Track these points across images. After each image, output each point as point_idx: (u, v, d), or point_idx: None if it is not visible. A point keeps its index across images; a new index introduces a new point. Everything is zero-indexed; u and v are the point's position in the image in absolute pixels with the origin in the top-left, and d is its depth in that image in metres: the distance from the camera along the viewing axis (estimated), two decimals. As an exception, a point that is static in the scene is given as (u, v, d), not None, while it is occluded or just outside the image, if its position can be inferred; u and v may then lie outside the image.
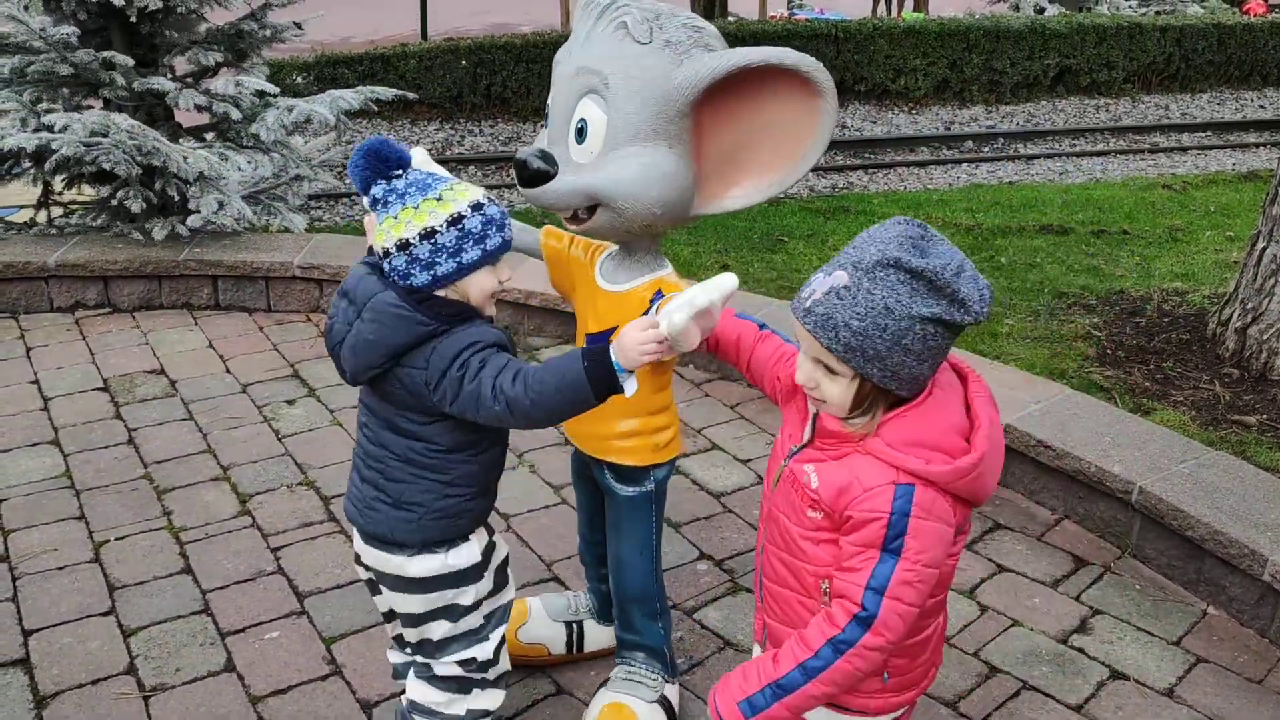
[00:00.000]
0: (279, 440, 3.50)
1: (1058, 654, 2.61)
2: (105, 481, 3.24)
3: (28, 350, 4.12)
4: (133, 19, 4.45)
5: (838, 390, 1.52)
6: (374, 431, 1.92)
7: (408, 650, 2.08)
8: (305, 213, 5.26)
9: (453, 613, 1.96)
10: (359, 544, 1.98)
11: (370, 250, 1.87)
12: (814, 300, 1.52)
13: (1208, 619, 2.76)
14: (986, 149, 9.58)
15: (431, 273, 1.78)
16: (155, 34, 4.73)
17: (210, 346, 4.19)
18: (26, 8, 4.28)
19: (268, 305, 4.52)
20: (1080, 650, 2.62)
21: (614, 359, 1.70)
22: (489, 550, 2.03)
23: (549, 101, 2.07)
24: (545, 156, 1.97)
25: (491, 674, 2.05)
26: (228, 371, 3.99)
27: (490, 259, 1.82)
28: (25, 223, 4.88)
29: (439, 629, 1.97)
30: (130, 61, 4.44)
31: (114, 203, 4.55)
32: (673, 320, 1.65)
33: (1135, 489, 2.94)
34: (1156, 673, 2.56)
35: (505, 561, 2.12)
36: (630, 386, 1.72)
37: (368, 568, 2.00)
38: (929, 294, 1.44)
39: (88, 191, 4.93)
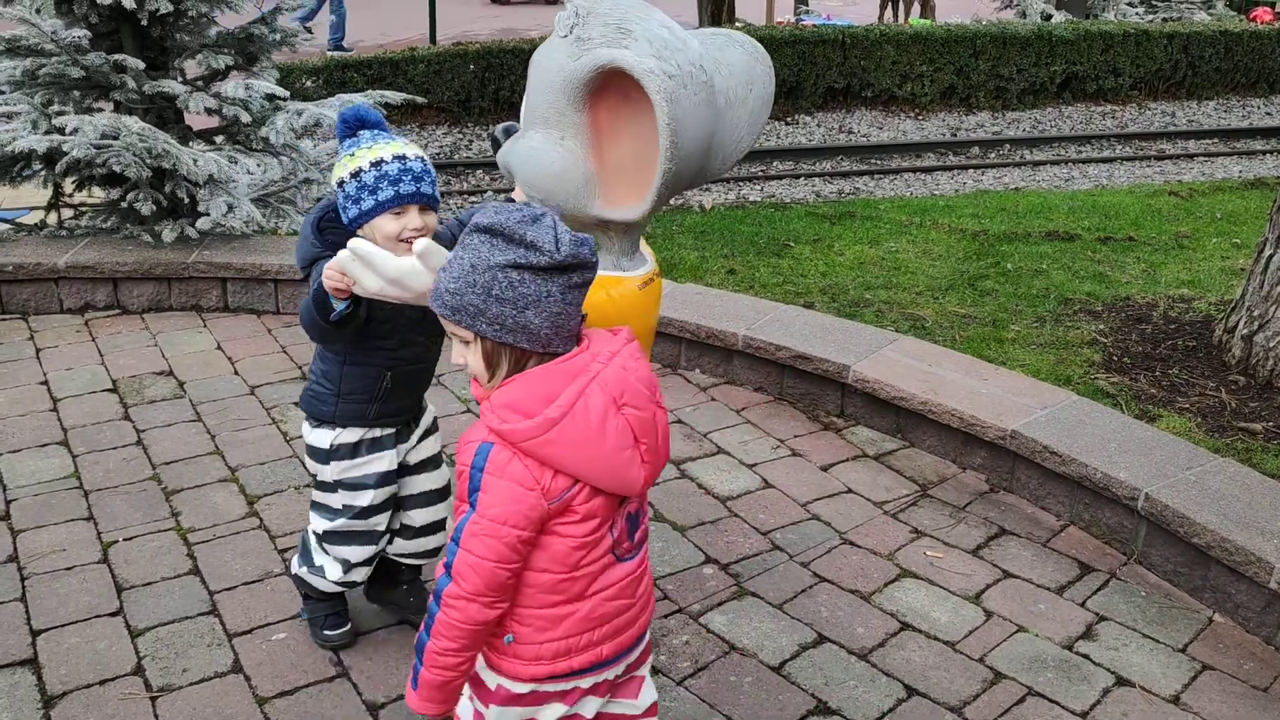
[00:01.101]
0: (287, 442, 3.52)
1: (1063, 660, 2.61)
2: (114, 482, 3.26)
3: (37, 351, 4.14)
4: (144, 22, 4.47)
5: (473, 357, 1.65)
6: None
7: None
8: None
9: (316, 480, 2.48)
10: None
11: None
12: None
13: (1214, 626, 2.76)
14: (992, 155, 9.58)
15: (352, 211, 2.14)
16: (166, 37, 4.75)
17: (219, 348, 4.21)
18: (38, 11, 4.30)
19: (276, 308, 4.53)
20: (1086, 656, 2.63)
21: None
22: (343, 451, 2.39)
23: None
24: (506, 130, 2.29)
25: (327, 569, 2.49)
26: (236, 373, 4.00)
27: (384, 207, 2.11)
28: (36, 224, 4.90)
29: (313, 491, 2.50)
30: (141, 64, 4.47)
31: (124, 205, 4.57)
32: (342, 257, 1.97)
33: (1141, 495, 2.94)
34: (1162, 680, 2.56)
35: (382, 506, 2.45)
36: (338, 307, 2.10)
37: None
38: (504, 244, 1.58)
39: (98, 194, 4.95)
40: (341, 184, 2.15)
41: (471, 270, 1.59)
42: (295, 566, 2.58)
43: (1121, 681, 2.55)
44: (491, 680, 1.76)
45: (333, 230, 2.21)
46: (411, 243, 2.03)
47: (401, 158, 2.12)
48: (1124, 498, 2.99)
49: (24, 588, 2.76)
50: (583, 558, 1.66)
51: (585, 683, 1.75)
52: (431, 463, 2.57)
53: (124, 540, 2.97)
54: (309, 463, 2.49)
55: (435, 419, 2.61)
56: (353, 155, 2.14)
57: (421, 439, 2.54)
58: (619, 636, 1.75)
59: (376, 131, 2.17)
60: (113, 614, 2.68)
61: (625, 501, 1.71)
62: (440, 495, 2.59)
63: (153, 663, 2.51)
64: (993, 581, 2.91)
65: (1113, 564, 3.00)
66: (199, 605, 2.72)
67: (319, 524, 2.49)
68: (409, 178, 2.11)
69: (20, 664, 2.50)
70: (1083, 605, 2.82)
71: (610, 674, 1.79)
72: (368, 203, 2.11)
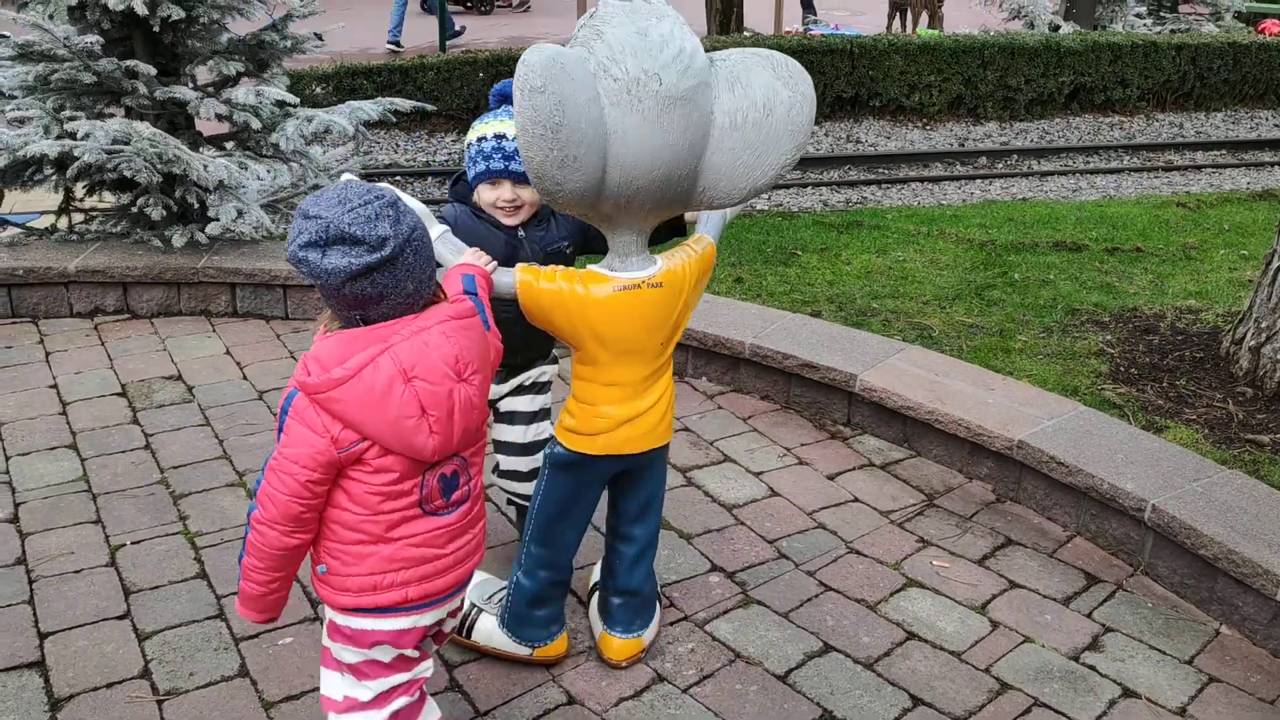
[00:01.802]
0: (294, 447, 3.52)
1: (1069, 671, 2.61)
2: (122, 486, 3.27)
3: (47, 355, 4.16)
4: (156, 28, 4.49)
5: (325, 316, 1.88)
6: None
7: None
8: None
9: None
10: None
11: None
12: None
13: (1220, 638, 2.75)
14: (1000, 165, 9.57)
15: (469, 174, 2.51)
16: (177, 43, 4.77)
17: (227, 353, 4.22)
18: (51, 17, 4.33)
19: (285, 313, 4.55)
20: (1092, 668, 2.62)
21: None
22: None
23: None
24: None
25: None
26: (244, 378, 4.02)
27: (479, 179, 2.48)
28: (46, 229, 4.92)
29: None
30: (152, 70, 4.49)
31: (134, 210, 4.59)
32: None
33: (1148, 506, 2.94)
34: (1169, 691, 2.55)
35: None
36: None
37: None
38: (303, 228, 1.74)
39: (108, 198, 4.97)
40: (467, 148, 2.49)
41: (289, 250, 1.77)
42: None
43: (1128, 693, 2.54)
44: (325, 612, 1.98)
45: (462, 186, 2.58)
46: (509, 211, 2.46)
47: (500, 136, 2.40)
48: (1131, 509, 2.98)
49: (32, 590, 2.78)
50: (381, 503, 1.85)
51: (403, 622, 1.93)
52: (514, 417, 2.72)
53: (132, 544, 2.99)
54: None
55: (541, 383, 2.73)
56: (474, 127, 2.47)
57: (515, 392, 2.68)
58: (426, 583, 1.93)
59: (507, 108, 2.41)
60: (120, 617, 2.69)
61: (439, 464, 1.87)
62: (510, 448, 2.75)
63: (160, 666, 2.52)
64: (999, 592, 2.91)
65: (1119, 575, 3.00)
66: (206, 609, 2.73)
67: None
68: (499, 155, 2.42)
69: (28, 666, 2.51)
70: (1089, 616, 2.82)
71: (426, 619, 1.96)
72: (470, 171, 2.49)
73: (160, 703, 2.41)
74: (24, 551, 2.94)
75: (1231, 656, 2.69)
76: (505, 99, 2.44)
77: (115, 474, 3.34)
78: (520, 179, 2.42)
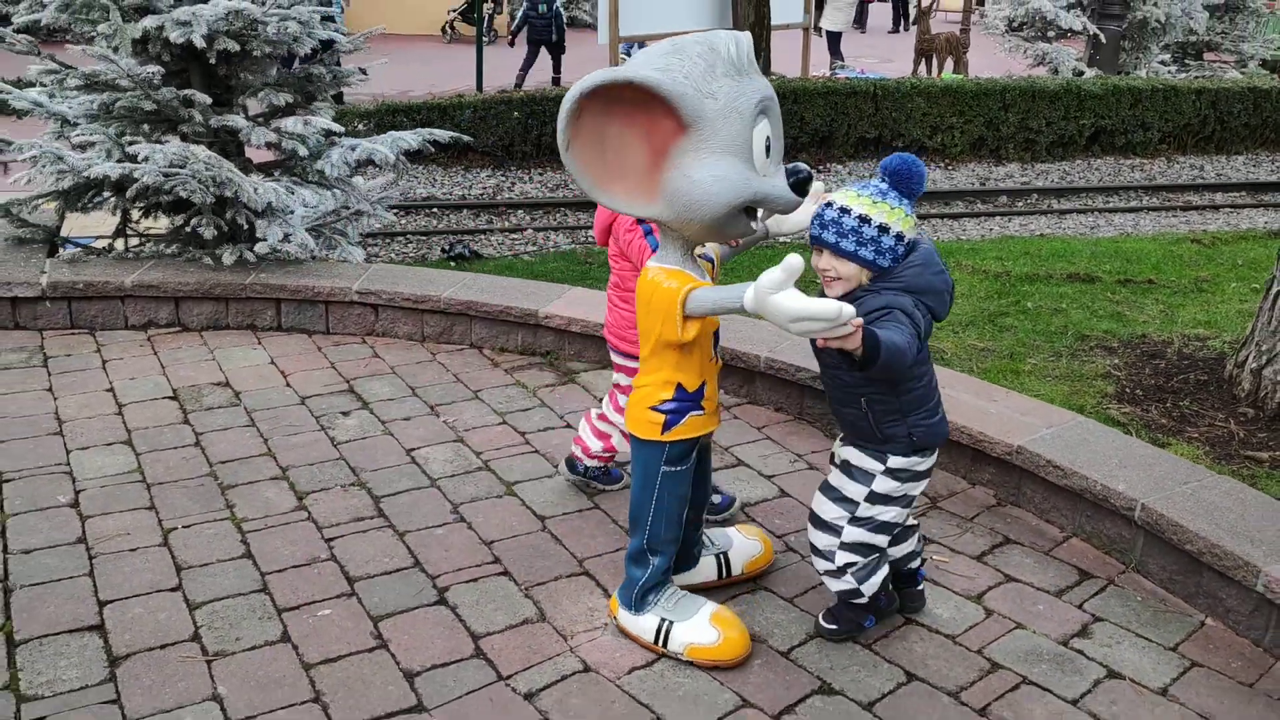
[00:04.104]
0: (334, 446, 3.75)
1: (1058, 654, 2.76)
2: (174, 477, 3.51)
3: (104, 362, 4.43)
4: (212, 60, 4.81)
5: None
6: None
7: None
8: (363, 247, 5.57)
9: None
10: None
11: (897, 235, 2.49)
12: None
13: (1205, 629, 2.90)
14: (1020, 204, 9.77)
15: None
16: (231, 76, 5.09)
17: (272, 363, 4.48)
18: (116, 49, 4.66)
19: (326, 328, 4.81)
20: (1080, 652, 2.77)
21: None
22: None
23: (770, 132, 2.41)
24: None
25: None
26: (288, 385, 4.26)
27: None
28: (104, 249, 5.22)
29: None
30: (208, 100, 4.80)
31: (188, 230, 4.88)
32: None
33: (1138, 506, 3.09)
34: (1152, 673, 2.70)
35: None
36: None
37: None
38: None
39: (163, 221, 5.27)
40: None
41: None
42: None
43: (1113, 674, 2.69)
44: None
45: None
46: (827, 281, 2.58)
47: (829, 205, 2.51)
48: (1122, 508, 3.14)
49: (92, 565, 3.00)
50: None
51: None
52: None
53: (183, 527, 3.21)
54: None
55: None
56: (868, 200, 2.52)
57: None
58: None
59: (876, 185, 2.52)
60: (172, 589, 2.91)
61: None
62: None
63: (209, 631, 2.73)
64: (995, 584, 3.07)
65: (1112, 571, 3.15)
66: (251, 584, 2.94)
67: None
68: (816, 222, 2.52)
69: (88, 629, 2.73)
70: (1080, 607, 2.97)
71: None
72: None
73: (209, 662, 2.62)
74: (84, 532, 3.17)
75: (1214, 645, 2.83)
76: (889, 174, 2.50)
77: (167, 467, 3.57)
78: (824, 245, 2.52)
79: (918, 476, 2.67)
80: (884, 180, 2.51)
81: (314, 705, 2.49)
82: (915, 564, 2.88)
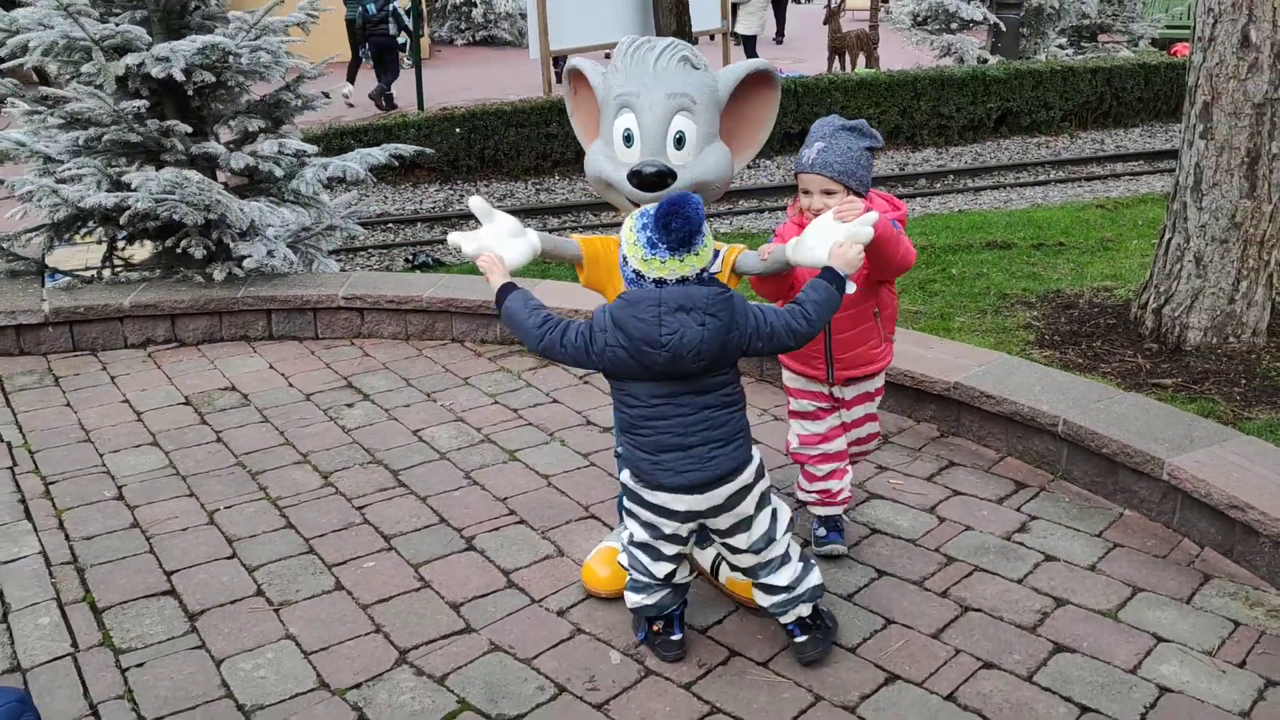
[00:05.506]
0: (346, 433, 4.12)
1: (1002, 547, 3.25)
2: (205, 469, 3.85)
3: (112, 378, 4.73)
4: (189, 92, 5.14)
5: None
6: (688, 404, 2.51)
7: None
8: (335, 260, 5.92)
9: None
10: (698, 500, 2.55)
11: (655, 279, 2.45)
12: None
13: (1124, 518, 3.41)
14: (938, 185, 10.40)
15: None
16: (203, 106, 5.42)
17: (271, 367, 4.82)
18: (99, 86, 4.96)
19: (316, 333, 5.16)
20: (1020, 544, 3.27)
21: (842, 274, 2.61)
22: None
23: (633, 126, 2.64)
24: (665, 169, 2.63)
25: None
26: (290, 385, 4.61)
27: None
28: (91, 277, 5.50)
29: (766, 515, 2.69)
30: (188, 129, 5.13)
31: (177, 250, 5.19)
32: (860, 234, 2.61)
33: (1060, 421, 3.61)
34: (1081, 555, 3.20)
35: None
36: (850, 287, 2.64)
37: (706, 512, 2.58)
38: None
39: (148, 246, 5.56)
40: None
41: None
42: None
43: (1049, 558, 3.19)
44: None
45: None
46: None
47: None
48: (1047, 425, 3.65)
49: (150, 544, 3.35)
50: None
51: None
52: None
53: (224, 509, 3.56)
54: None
55: None
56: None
57: None
58: None
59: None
60: (229, 558, 3.26)
61: None
62: None
63: (270, 587, 3.10)
64: (944, 498, 3.56)
65: (1043, 480, 3.66)
66: (298, 548, 3.31)
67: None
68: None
69: (162, 594, 3.08)
70: (1018, 510, 3.47)
71: None
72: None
73: (276, 611, 2.99)
74: (135, 519, 3.50)
75: (1132, 529, 3.34)
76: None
77: (197, 460, 3.91)
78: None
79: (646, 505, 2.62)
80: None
81: (376, 635, 2.88)
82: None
